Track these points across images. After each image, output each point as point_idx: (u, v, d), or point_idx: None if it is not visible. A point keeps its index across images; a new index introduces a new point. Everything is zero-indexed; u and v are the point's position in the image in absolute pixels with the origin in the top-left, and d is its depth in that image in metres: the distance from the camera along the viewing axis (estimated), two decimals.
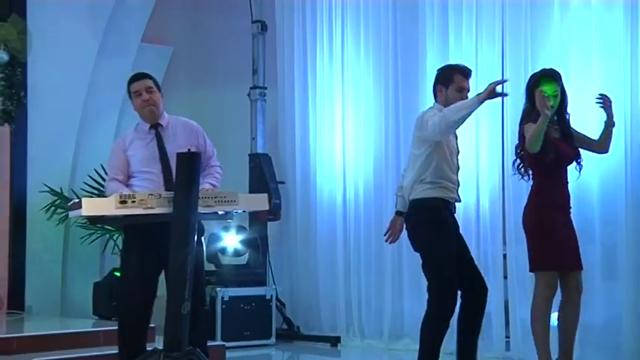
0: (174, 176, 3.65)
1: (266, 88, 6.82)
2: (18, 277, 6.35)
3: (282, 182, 6.70)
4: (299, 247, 6.55)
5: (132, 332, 3.81)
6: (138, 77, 3.92)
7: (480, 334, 4.13)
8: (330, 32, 6.41)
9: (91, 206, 3.43)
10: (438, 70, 4.12)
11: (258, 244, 6.18)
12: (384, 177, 5.93)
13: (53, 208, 6.31)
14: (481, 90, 3.79)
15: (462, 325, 4.04)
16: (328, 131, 6.41)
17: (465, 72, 4.01)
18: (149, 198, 3.48)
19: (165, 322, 3.58)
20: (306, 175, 6.55)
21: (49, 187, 6.35)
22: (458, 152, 4.06)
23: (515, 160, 4.09)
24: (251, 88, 6.83)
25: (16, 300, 6.32)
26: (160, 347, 3.66)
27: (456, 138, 4.07)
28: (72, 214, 3.58)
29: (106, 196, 3.85)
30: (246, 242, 6.11)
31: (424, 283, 5.65)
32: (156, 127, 3.92)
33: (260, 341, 5.95)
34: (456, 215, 4.08)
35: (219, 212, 3.64)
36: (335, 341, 6.00)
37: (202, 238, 3.87)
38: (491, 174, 5.21)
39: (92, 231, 6.16)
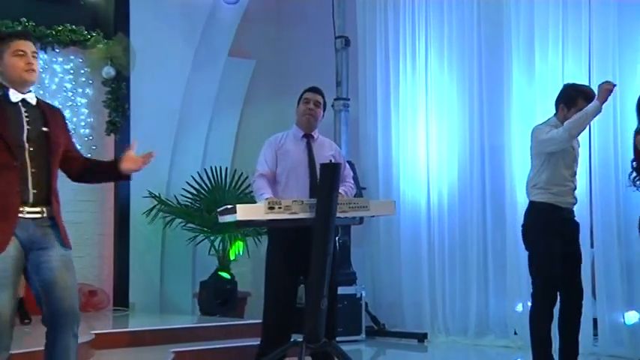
0: (318, 183, 4.10)
1: (349, 100, 7.23)
2: (122, 276, 6.84)
3: (364, 188, 7.09)
4: (382, 249, 6.94)
5: (275, 326, 4.18)
6: (315, 90, 4.36)
7: (579, 334, 4.46)
8: (413, 45, 6.78)
9: (245, 212, 3.83)
10: (564, 87, 4.42)
11: (348, 246, 6.57)
12: (469, 184, 6.29)
13: (155, 212, 6.79)
14: None
15: (562, 329, 4.40)
16: (411, 140, 6.79)
17: (588, 96, 4.25)
18: (294, 204, 3.89)
19: (305, 317, 3.99)
20: (388, 181, 6.93)
21: (151, 193, 6.83)
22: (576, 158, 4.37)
23: (631, 172, 4.38)
24: (335, 100, 7.23)
25: (121, 297, 6.81)
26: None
27: (579, 145, 4.41)
28: (223, 218, 3.96)
29: (252, 191, 4.29)
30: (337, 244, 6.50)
31: (510, 282, 6.05)
32: (308, 137, 4.34)
33: (351, 337, 6.33)
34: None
35: (353, 217, 4.05)
36: (422, 337, 6.37)
37: (337, 240, 4.26)
38: (580, 178, 5.49)
39: (196, 234, 6.62)
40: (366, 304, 6.82)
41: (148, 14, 6.99)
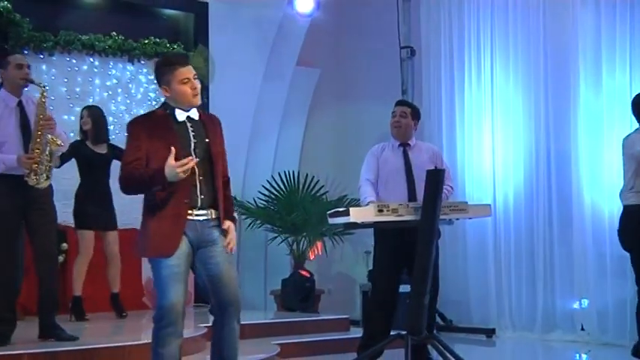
0: (416, 187, 4.48)
1: None
2: None
3: None
4: (447, 248, 7.22)
5: (379, 321, 4.56)
6: (399, 103, 4.82)
7: None
8: (478, 54, 7.10)
9: (357, 214, 4.20)
10: (633, 98, 4.80)
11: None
12: (535, 186, 6.62)
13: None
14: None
15: None
16: (476, 145, 7.11)
17: None
18: (400, 207, 4.26)
19: (408, 311, 4.35)
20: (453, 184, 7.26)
21: None
22: None
23: None
24: None
25: (202, 294, 7.17)
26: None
27: None
28: (335, 220, 4.33)
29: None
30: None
31: (577, 279, 6.36)
32: (404, 145, 4.75)
33: None
34: None
35: (453, 219, 4.41)
36: (490, 333, 6.70)
37: (437, 241, 4.61)
38: None
39: (276, 235, 7.02)
40: None
41: (223, 27, 7.39)
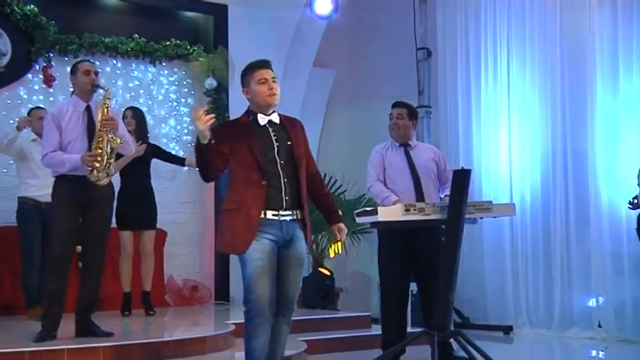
0: (422, 186, 4.61)
1: (430, 107, 7.67)
2: (223, 273, 7.32)
3: None
4: (464, 248, 7.31)
5: (394, 318, 4.65)
6: (395, 105, 4.87)
7: None
8: (494, 55, 7.20)
9: (385, 213, 4.29)
10: None
11: None
12: (552, 185, 6.72)
13: None
14: None
15: None
16: (493, 145, 7.21)
17: None
18: (427, 206, 4.36)
19: (435, 308, 4.44)
20: (470, 183, 7.34)
21: None
22: None
23: None
24: (417, 107, 7.65)
25: (222, 292, 7.30)
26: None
27: None
28: (363, 219, 4.43)
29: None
30: None
31: (594, 277, 6.46)
32: (405, 145, 4.82)
33: None
34: None
35: (478, 218, 4.51)
36: (508, 330, 6.80)
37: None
38: None
39: None
40: None
41: (242, 29, 7.50)
